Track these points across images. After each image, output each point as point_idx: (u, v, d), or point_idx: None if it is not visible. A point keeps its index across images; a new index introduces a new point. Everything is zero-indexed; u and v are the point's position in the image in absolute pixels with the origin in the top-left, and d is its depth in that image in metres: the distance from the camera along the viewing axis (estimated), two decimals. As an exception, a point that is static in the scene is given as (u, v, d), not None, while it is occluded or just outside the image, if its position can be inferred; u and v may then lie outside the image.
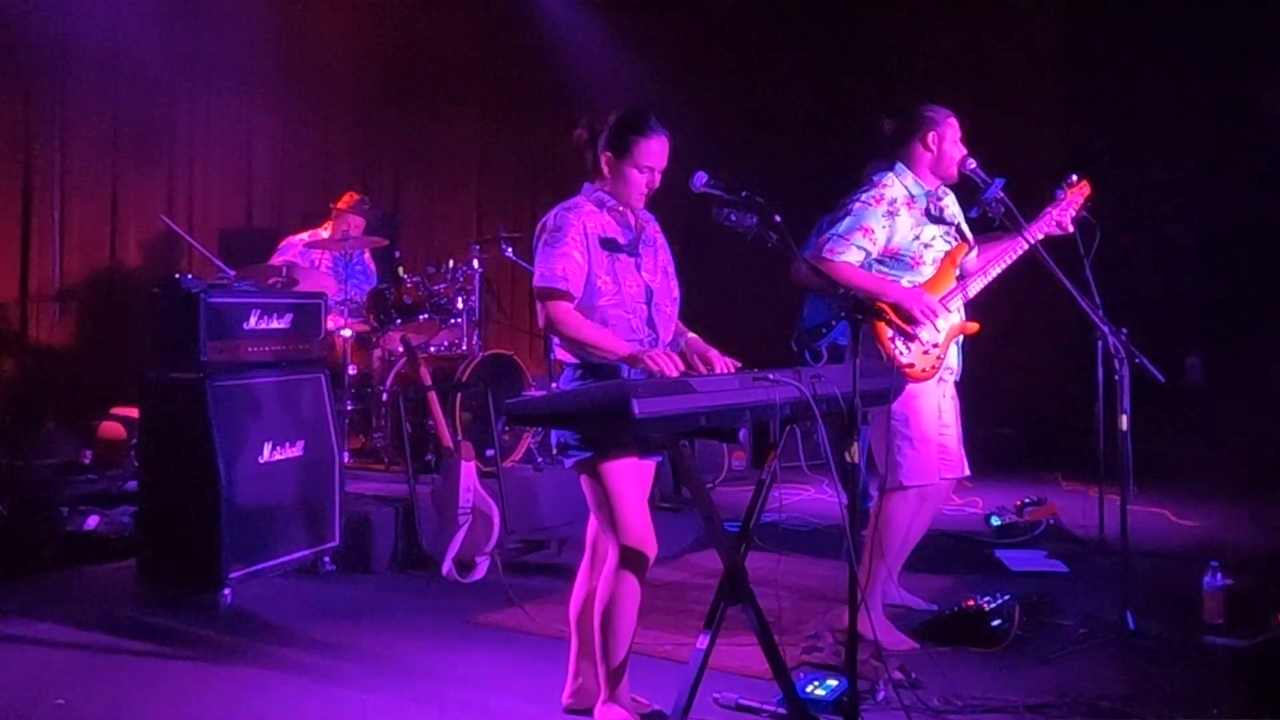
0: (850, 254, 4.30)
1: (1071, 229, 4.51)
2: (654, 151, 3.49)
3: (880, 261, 4.37)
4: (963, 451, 4.60)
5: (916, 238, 4.38)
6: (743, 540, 3.47)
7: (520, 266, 7.18)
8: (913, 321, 4.30)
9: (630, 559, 3.38)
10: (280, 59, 8.01)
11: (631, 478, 3.40)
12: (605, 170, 3.53)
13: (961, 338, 4.52)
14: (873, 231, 4.32)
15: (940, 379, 4.44)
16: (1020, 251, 4.49)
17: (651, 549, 3.41)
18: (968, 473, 4.65)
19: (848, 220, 4.33)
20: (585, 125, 3.58)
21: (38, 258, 7.03)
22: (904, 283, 4.36)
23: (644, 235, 3.62)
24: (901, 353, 4.29)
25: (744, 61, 10.18)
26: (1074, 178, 4.56)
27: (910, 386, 4.32)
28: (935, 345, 4.37)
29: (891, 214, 4.35)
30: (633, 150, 3.48)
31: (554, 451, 3.53)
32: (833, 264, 4.27)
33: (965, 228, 4.55)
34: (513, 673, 4.07)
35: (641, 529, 3.39)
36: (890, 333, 4.30)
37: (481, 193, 9.61)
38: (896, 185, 4.40)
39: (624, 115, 3.53)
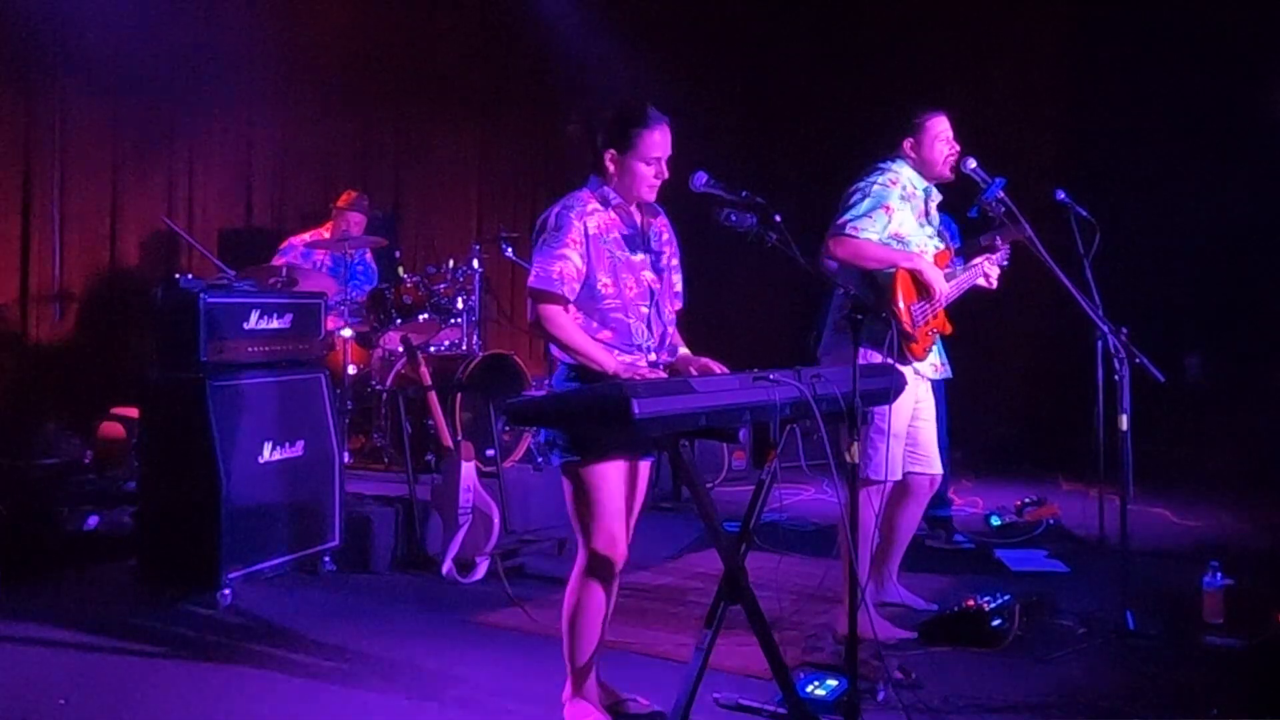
0: (873, 231, 4.37)
1: (996, 286, 4.61)
2: (658, 141, 3.44)
3: (885, 244, 4.43)
4: (936, 449, 4.64)
5: (921, 227, 4.50)
6: (743, 540, 3.47)
7: (520, 266, 7.18)
8: (929, 294, 4.37)
9: (599, 563, 3.39)
10: (280, 59, 8.01)
11: (614, 484, 3.38)
12: (610, 168, 3.47)
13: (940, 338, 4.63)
14: (893, 210, 4.41)
15: (919, 374, 4.48)
16: (978, 279, 4.60)
17: (621, 556, 3.41)
18: (939, 471, 4.68)
19: (868, 201, 4.40)
20: (578, 120, 3.56)
21: (38, 258, 7.04)
22: None
23: (650, 232, 3.59)
24: (915, 320, 4.34)
25: (744, 61, 10.17)
26: (999, 239, 4.63)
27: None
28: (932, 331, 4.45)
29: (904, 198, 4.45)
30: (636, 144, 3.43)
31: (542, 447, 3.53)
32: (855, 240, 4.35)
33: (944, 235, 4.66)
34: (512, 672, 4.07)
35: (614, 536, 3.38)
36: (909, 300, 4.36)
37: (481, 193, 9.61)
38: (904, 173, 4.51)
39: (621, 110, 3.48)
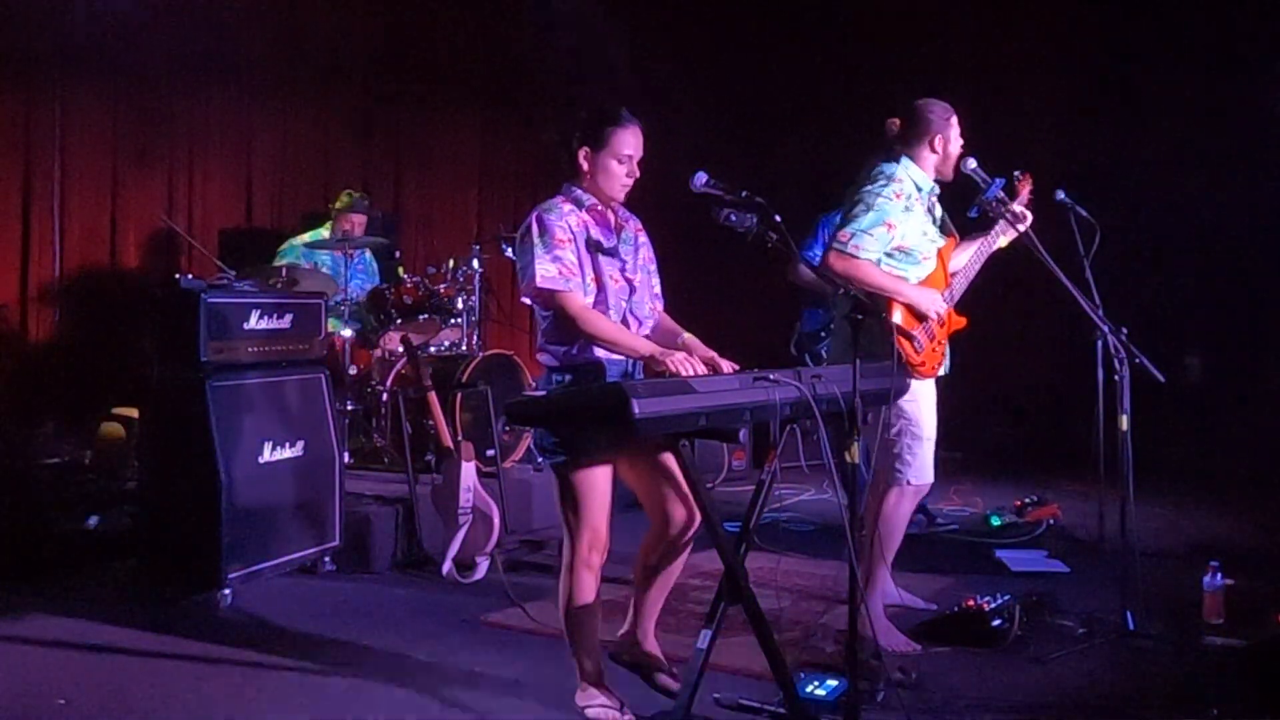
0: (875, 251, 4.25)
1: (1026, 226, 4.49)
2: (630, 141, 3.49)
3: (890, 255, 4.32)
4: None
5: (924, 233, 4.39)
6: (743, 540, 3.47)
7: (520, 266, 7.17)
8: (925, 320, 4.32)
9: (583, 558, 3.48)
10: (280, 58, 8.01)
11: (601, 486, 3.46)
12: (584, 165, 3.52)
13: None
14: (894, 226, 4.28)
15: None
16: (991, 249, 4.54)
17: (602, 552, 3.50)
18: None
19: (871, 215, 4.25)
20: (554, 128, 3.61)
21: (38, 258, 7.04)
22: (910, 278, 4.37)
23: (624, 234, 3.63)
24: (918, 350, 4.30)
25: (744, 60, 10.17)
26: (1018, 173, 4.58)
27: (919, 386, 4.35)
28: (941, 342, 4.40)
29: (908, 209, 4.33)
30: (609, 141, 3.48)
31: (534, 447, 3.59)
32: (856, 260, 4.21)
33: (948, 222, 4.59)
34: (513, 672, 4.06)
35: (597, 532, 3.47)
36: (913, 331, 4.31)
37: (481, 193, 9.62)
38: (908, 180, 4.38)
39: (595, 108, 3.54)
